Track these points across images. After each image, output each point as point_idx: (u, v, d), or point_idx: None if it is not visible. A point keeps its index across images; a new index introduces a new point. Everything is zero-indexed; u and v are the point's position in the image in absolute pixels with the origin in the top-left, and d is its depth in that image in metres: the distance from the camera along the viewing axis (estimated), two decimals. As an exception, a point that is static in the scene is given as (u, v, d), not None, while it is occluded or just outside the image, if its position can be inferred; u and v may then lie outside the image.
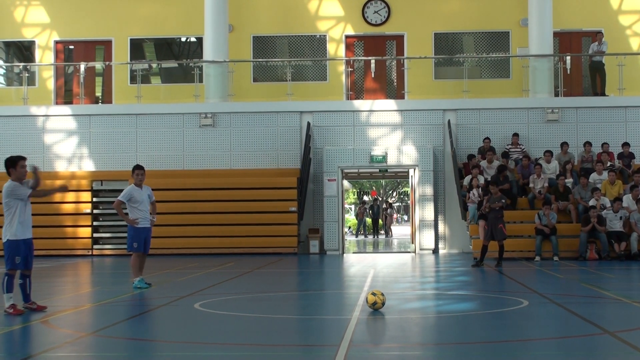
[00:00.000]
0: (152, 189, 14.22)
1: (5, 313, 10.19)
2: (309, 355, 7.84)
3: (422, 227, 23.38)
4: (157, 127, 24.65)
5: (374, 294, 10.28)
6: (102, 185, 23.69)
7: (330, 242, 23.32)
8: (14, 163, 10.61)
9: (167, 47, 28.50)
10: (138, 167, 13.89)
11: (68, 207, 23.62)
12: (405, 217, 67.77)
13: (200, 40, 27.01)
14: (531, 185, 21.99)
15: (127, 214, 13.77)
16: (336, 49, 26.93)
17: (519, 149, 23.48)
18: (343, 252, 23.64)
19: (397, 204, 70.38)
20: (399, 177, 38.24)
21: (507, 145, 23.67)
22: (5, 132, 24.91)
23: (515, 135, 23.62)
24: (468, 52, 27.02)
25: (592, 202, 20.49)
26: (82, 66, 25.78)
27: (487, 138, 23.46)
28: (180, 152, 24.57)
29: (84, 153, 24.81)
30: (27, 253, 10.59)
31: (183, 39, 28.38)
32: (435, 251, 23.34)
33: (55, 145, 24.85)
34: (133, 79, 26.64)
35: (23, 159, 10.70)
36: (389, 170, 26.03)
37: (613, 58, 24.81)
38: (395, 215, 53.07)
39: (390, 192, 65.72)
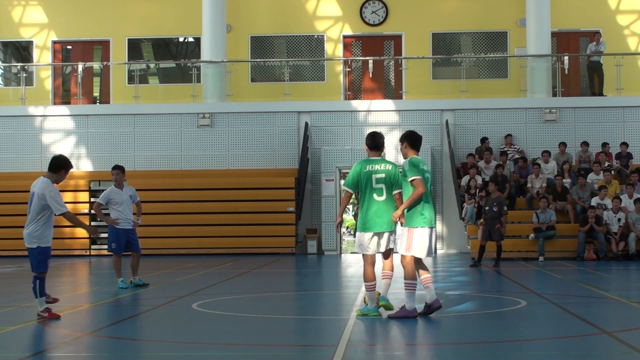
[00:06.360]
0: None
1: (38, 317, 9.82)
2: (307, 355, 7.83)
3: (420, 227, 23.33)
4: (154, 127, 24.64)
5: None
6: (99, 185, 23.64)
7: (328, 242, 23.33)
8: (67, 167, 10.03)
9: (164, 47, 28.49)
10: (115, 167, 13.79)
11: (66, 207, 23.57)
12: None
13: (198, 40, 27.00)
14: (529, 185, 21.99)
15: (108, 214, 13.79)
16: (334, 49, 26.92)
17: (513, 149, 23.49)
18: (341, 253, 23.63)
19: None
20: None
21: (502, 146, 23.68)
22: (3, 132, 24.90)
23: (509, 135, 23.63)
24: (466, 52, 27.02)
25: (596, 201, 20.44)
26: (80, 66, 25.77)
27: (486, 138, 23.46)
28: (178, 152, 24.56)
29: (82, 153, 24.79)
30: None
31: (181, 39, 28.36)
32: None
33: (53, 145, 24.81)
34: (131, 79, 26.63)
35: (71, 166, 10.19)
36: (386, 170, 25.97)
37: (611, 58, 24.82)
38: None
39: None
